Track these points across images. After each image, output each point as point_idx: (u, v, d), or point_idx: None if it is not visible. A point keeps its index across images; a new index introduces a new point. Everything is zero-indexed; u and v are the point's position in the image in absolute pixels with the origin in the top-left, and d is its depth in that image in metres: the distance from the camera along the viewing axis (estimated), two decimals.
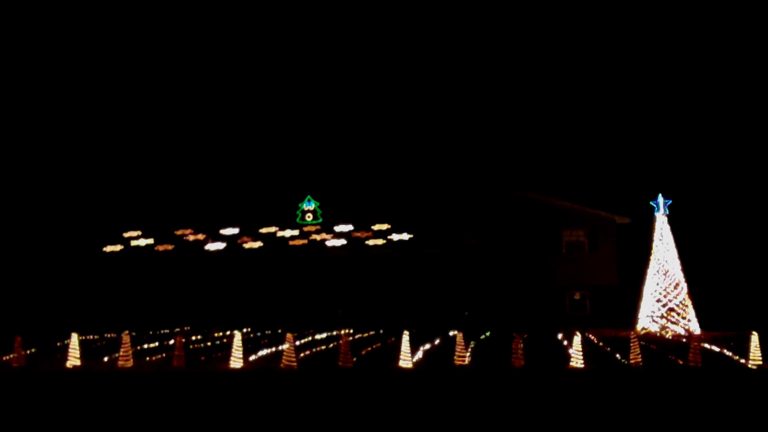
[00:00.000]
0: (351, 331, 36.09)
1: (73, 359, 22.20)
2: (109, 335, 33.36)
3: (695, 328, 33.61)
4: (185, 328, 38.55)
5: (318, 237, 44.15)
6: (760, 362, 21.18)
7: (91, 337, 32.85)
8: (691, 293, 34.65)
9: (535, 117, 54.87)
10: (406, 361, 21.27)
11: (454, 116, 55.57)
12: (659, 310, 34.14)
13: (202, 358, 24.30)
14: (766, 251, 47.21)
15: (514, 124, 54.25)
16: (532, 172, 51.46)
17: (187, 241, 44.44)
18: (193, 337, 32.63)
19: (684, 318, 33.77)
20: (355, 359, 22.31)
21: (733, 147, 51.28)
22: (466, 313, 41.80)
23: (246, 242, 43.92)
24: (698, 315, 34.41)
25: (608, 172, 50.39)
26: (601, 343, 28.47)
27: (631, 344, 21.64)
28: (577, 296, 42.43)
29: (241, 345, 21.96)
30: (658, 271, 34.84)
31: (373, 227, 44.16)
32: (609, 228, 42.69)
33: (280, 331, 36.22)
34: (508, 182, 47.70)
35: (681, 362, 21.74)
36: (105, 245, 44.18)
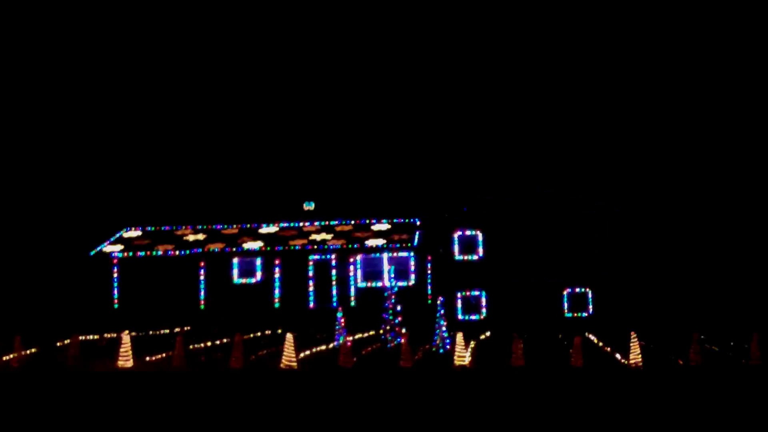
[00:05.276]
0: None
1: (73, 359, 22.19)
2: (109, 335, 33.30)
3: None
4: (185, 329, 38.49)
5: (318, 237, 44.09)
6: (760, 362, 21.16)
7: (91, 337, 32.82)
8: (692, 292, 34.62)
9: (533, 115, 54.96)
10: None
11: (452, 116, 55.65)
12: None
13: (203, 358, 24.30)
14: (766, 250, 47.17)
15: (513, 122, 54.40)
16: (534, 165, 51.25)
17: (187, 241, 44.39)
18: (193, 338, 32.57)
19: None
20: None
21: (733, 145, 51.31)
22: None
23: (246, 242, 43.85)
24: (698, 314, 34.36)
25: (607, 165, 50.32)
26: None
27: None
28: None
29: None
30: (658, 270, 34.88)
31: (372, 227, 44.11)
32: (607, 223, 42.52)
33: (279, 330, 36.20)
34: (510, 179, 47.48)
35: (681, 362, 21.73)
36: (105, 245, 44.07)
